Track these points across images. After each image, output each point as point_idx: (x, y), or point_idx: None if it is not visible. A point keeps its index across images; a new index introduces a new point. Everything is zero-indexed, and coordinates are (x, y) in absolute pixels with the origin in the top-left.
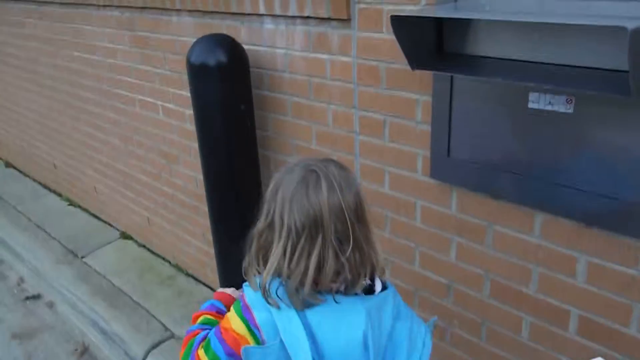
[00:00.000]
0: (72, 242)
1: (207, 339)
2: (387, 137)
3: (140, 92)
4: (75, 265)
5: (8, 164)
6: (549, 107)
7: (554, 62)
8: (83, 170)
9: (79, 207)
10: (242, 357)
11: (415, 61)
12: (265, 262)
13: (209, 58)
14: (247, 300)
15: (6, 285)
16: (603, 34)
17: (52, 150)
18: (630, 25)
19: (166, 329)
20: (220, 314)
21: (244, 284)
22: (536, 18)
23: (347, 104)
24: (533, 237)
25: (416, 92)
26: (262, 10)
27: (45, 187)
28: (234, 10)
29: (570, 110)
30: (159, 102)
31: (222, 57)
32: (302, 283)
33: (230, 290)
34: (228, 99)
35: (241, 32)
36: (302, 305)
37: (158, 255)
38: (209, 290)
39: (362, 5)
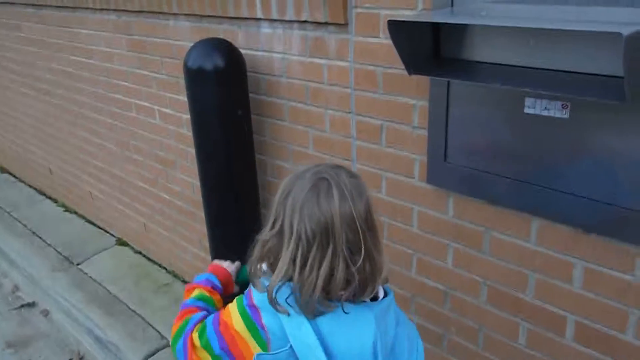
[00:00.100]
0: (67, 248)
1: (203, 323)
2: (384, 142)
3: (137, 96)
4: (70, 272)
5: (3, 170)
6: (545, 113)
7: (550, 68)
8: (79, 175)
9: (75, 213)
10: None
11: (412, 66)
12: (272, 268)
13: (206, 62)
14: (256, 301)
15: (1, 293)
16: (598, 40)
17: (48, 155)
18: (626, 31)
19: (162, 337)
20: (215, 289)
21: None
22: (531, 24)
23: (344, 109)
24: (530, 243)
25: (413, 97)
26: (259, 14)
27: (40, 192)
28: (231, 14)
29: (566, 116)
30: (156, 107)
31: (219, 62)
32: (312, 291)
33: (226, 264)
34: (225, 103)
35: (238, 37)
36: (313, 314)
37: (154, 262)
38: None
39: (359, 10)
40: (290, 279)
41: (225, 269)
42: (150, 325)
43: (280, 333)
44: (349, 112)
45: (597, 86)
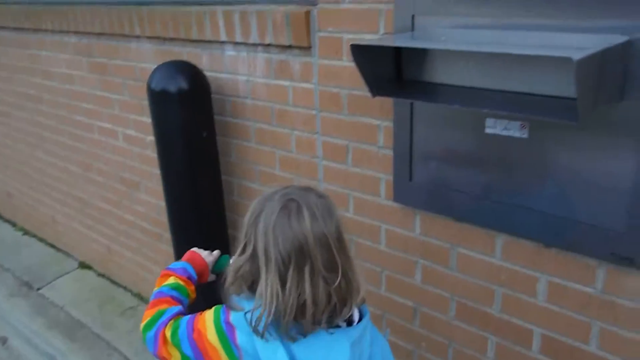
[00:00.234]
0: (27, 273)
1: (177, 321)
2: (351, 162)
3: (99, 118)
4: (30, 297)
5: None
6: (505, 132)
7: (508, 90)
8: (40, 198)
9: (35, 236)
10: None
11: (376, 88)
12: (251, 290)
13: (169, 84)
14: (232, 320)
15: None
16: (552, 63)
17: (7, 178)
18: (576, 55)
19: None
20: (190, 280)
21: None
22: (488, 48)
23: (310, 130)
24: (495, 259)
25: (377, 118)
26: (223, 37)
27: None
28: (194, 37)
29: (525, 135)
30: (119, 129)
31: (183, 84)
32: (290, 315)
33: (205, 253)
34: (190, 125)
35: (202, 59)
36: (289, 338)
37: (119, 285)
38: None
39: (323, 34)
40: (272, 305)
41: (203, 258)
42: (116, 350)
43: (253, 352)
44: (315, 133)
45: (552, 107)
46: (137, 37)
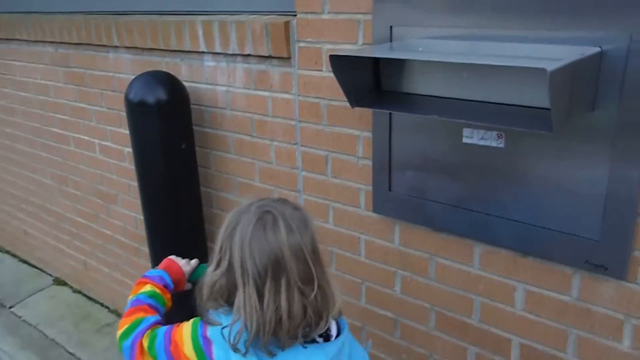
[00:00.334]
0: None
1: (154, 331)
2: (330, 172)
3: (76, 129)
4: (2, 316)
5: None
6: (482, 142)
7: (484, 100)
8: (11, 212)
9: (7, 252)
10: None
11: (355, 99)
12: (228, 303)
13: (148, 95)
14: (209, 334)
15: None
16: (526, 74)
17: None
18: (550, 67)
19: None
20: (167, 288)
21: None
22: (464, 59)
23: (290, 141)
24: (473, 268)
25: (357, 129)
26: (202, 47)
27: None
28: (173, 47)
29: (502, 145)
30: (96, 140)
31: (161, 94)
32: (269, 329)
33: (182, 262)
34: (168, 136)
35: (181, 69)
36: (267, 353)
37: (95, 301)
38: None
39: (302, 44)
40: (250, 318)
41: (180, 267)
42: None
43: None
44: (295, 144)
45: (527, 117)
46: (115, 47)
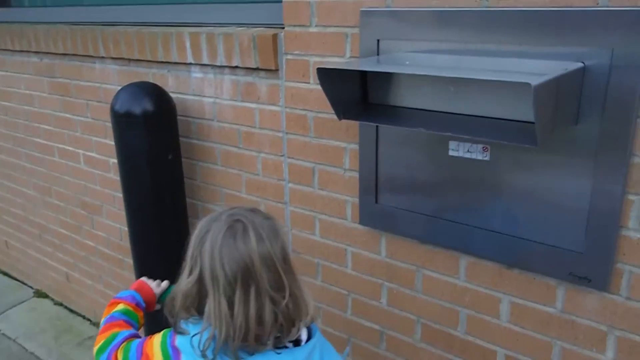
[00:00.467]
0: None
1: (129, 344)
2: (317, 184)
3: (60, 140)
4: None
5: None
6: (467, 155)
7: (470, 113)
8: None
9: None
10: None
11: (342, 111)
12: (198, 312)
13: (134, 106)
14: (177, 343)
15: None
16: (511, 88)
17: None
18: (534, 81)
19: None
20: (139, 306)
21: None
22: (450, 73)
23: (277, 152)
24: (459, 280)
25: (343, 141)
26: (189, 59)
27: None
28: (160, 58)
29: (487, 158)
30: (81, 151)
31: (148, 105)
32: (239, 336)
33: (153, 284)
34: (155, 147)
35: (168, 80)
36: (235, 358)
37: (77, 314)
38: None
39: (290, 57)
40: (219, 325)
41: (151, 288)
42: None
43: None
44: (282, 156)
45: (512, 130)
46: (102, 57)
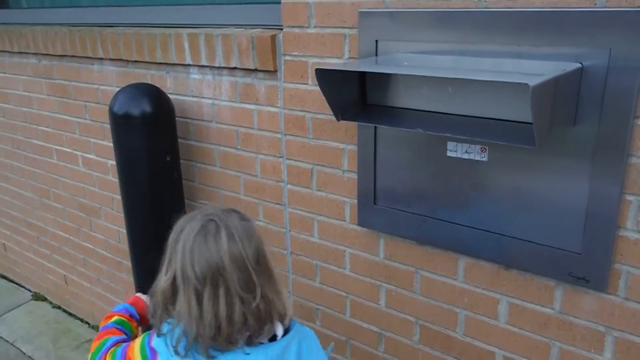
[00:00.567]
0: None
1: (116, 349)
2: (315, 186)
3: (58, 142)
4: None
5: None
6: (465, 156)
7: (468, 114)
8: None
9: None
10: None
11: (340, 112)
12: (172, 311)
13: (132, 107)
14: (154, 344)
15: None
16: (509, 89)
17: None
18: (532, 82)
19: None
20: (133, 318)
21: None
22: (448, 74)
23: (275, 154)
24: (457, 281)
25: (342, 142)
26: (188, 60)
27: None
28: (159, 60)
29: (485, 159)
30: (79, 153)
31: (146, 107)
32: (208, 334)
33: (148, 299)
34: (153, 149)
35: (167, 82)
36: (207, 357)
37: (76, 317)
38: None
39: (288, 58)
40: (189, 323)
41: (145, 304)
42: None
43: None
44: (280, 157)
45: (510, 131)
46: (100, 59)
